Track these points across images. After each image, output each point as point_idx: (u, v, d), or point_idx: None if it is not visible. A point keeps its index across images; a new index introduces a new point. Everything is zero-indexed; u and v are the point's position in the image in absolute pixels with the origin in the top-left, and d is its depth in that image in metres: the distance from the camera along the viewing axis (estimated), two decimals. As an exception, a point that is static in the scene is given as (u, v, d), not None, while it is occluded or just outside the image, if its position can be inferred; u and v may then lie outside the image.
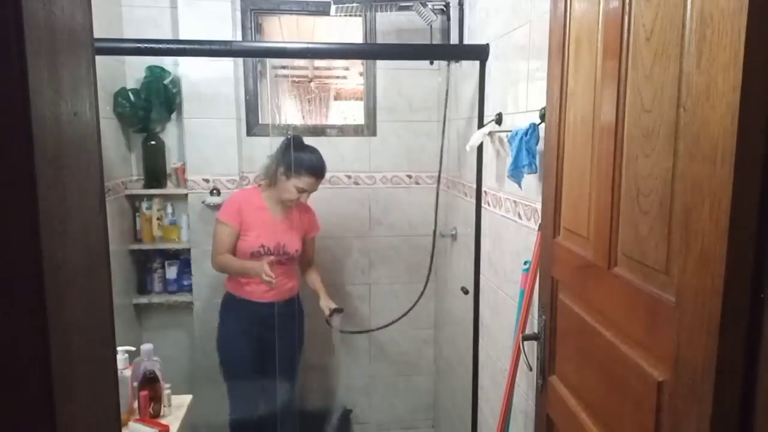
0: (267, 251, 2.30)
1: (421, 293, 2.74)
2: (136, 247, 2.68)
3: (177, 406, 1.87)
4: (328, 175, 2.66)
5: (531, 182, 1.62)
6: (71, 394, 0.49)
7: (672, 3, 0.78)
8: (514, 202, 1.79)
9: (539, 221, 1.47)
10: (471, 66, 2.23)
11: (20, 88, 0.41)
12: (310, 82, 3.46)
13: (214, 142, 2.66)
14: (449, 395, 2.84)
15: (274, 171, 2.32)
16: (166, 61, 2.65)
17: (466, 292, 2.32)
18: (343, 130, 2.93)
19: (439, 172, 2.71)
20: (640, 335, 0.87)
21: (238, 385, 2.40)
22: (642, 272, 0.87)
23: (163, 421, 1.75)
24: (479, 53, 2.08)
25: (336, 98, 3.72)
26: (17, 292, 0.43)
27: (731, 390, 0.68)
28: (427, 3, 2.45)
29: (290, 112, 3.29)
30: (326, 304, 2.41)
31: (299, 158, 2.28)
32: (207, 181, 2.69)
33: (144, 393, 1.76)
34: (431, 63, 2.84)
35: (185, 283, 2.77)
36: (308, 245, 2.51)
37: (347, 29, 3.16)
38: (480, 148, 2.12)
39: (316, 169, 2.30)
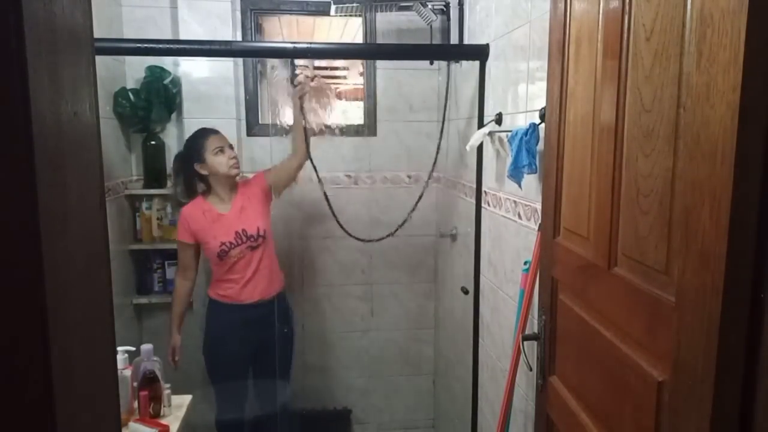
0: (230, 246, 2.25)
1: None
2: (136, 247, 2.68)
3: (177, 406, 1.87)
4: (328, 175, 2.64)
5: (531, 182, 1.62)
6: (71, 394, 0.49)
7: (672, 3, 0.78)
8: (514, 202, 1.79)
9: (539, 221, 1.47)
10: (471, 66, 2.23)
11: (20, 88, 0.41)
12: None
13: (214, 142, 2.65)
14: (449, 395, 2.83)
15: (193, 177, 2.31)
16: (166, 61, 2.65)
17: (466, 292, 2.32)
18: (343, 130, 2.93)
19: (431, 171, 2.67)
20: (640, 335, 0.87)
21: (226, 391, 2.37)
22: (642, 272, 0.87)
23: (163, 421, 1.75)
24: (479, 53, 2.08)
25: (336, 98, 3.71)
26: (17, 292, 0.43)
27: (731, 390, 0.68)
28: (427, 3, 2.45)
29: (290, 113, 3.28)
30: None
31: (187, 149, 2.30)
32: (207, 181, 2.69)
33: (144, 393, 1.76)
34: (431, 63, 2.84)
35: (185, 283, 2.76)
36: (278, 172, 2.44)
37: (347, 29, 3.17)
38: (480, 148, 2.12)
39: (205, 132, 2.30)
